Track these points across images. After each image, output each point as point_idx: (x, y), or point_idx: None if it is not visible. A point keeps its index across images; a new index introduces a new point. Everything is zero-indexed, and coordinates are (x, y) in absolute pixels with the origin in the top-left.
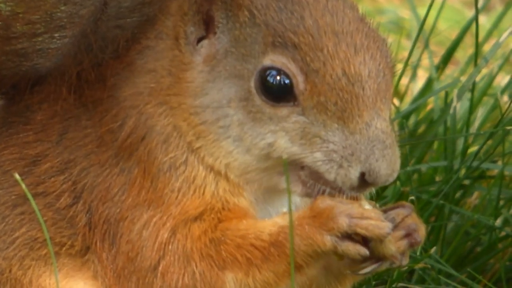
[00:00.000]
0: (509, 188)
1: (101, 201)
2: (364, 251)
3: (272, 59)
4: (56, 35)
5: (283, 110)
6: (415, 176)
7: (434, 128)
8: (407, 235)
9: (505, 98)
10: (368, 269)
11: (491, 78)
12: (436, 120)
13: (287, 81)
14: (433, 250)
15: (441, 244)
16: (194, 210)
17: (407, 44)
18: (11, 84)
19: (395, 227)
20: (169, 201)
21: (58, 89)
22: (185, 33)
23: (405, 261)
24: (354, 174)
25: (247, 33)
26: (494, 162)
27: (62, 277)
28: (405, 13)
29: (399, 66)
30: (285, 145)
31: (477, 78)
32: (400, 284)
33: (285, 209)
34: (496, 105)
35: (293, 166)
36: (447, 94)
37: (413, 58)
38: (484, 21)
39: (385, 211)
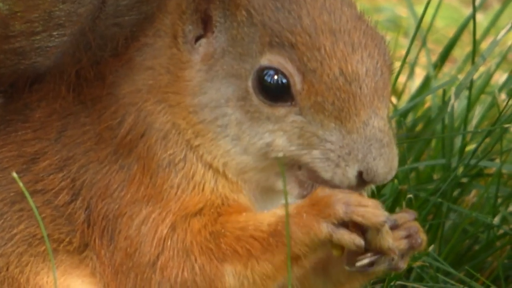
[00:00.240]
0: (507, 186)
1: (100, 197)
2: (359, 240)
3: (269, 59)
4: (54, 33)
5: (281, 110)
6: (413, 174)
7: (431, 126)
8: (408, 236)
9: (503, 96)
10: (366, 260)
11: (489, 76)
12: (434, 118)
13: (284, 81)
14: (431, 248)
15: (439, 242)
16: (193, 206)
17: (404, 42)
18: (10, 83)
19: (396, 227)
20: (168, 197)
21: (57, 87)
22: (183, 31)
23: (404, 265)
24: (351, 173)
25: (244, 33)
26: (492, 160)
27: (60, 274)
28: (402, 11)
29: (397, 64)
30: (283, 144)
31: (475, 76)
32: (398, 282)
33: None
34: (493, 103)
35: (290, 166)
36: (444, 92)
37: (411, 56)
38: (482, 19)
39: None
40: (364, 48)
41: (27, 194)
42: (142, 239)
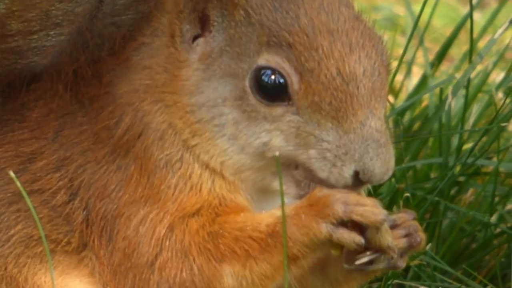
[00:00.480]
0: (504, 184)
1: (98, 198)
2: (359, 239)
3: (267, 58)
4: (51, 32)
5: (278, 110)
6: (410, 172)
7: (429, 124)
8: (407, 235)
9: (500, 94)
10: (365, 258)
11: (486, 74)
12: (431, 116)
13: (281, 81)
14: (428, 246)
15: (436, 240)
16: (191, 207)
17: (402, 41)
18: (7, 82)
19: (396, 227)
20: (165, 198)
21: (54, 86)
22: (181, 31)
23: (403, 263)
24: (347, 172)
25: (242, 32)
26: (489, 158)
27: (57, 275)
28: (400, 10)
29: (394, 63)
30: (280, 144)
31: (472, 75)
32: (396, 281)
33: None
34: (491, 102)
35: (287, 165)
36: (442, 91)
37: (408, 55)
38: (479, 17)
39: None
40: (361, 49)
41: (25, 194)
42: (140, 240)
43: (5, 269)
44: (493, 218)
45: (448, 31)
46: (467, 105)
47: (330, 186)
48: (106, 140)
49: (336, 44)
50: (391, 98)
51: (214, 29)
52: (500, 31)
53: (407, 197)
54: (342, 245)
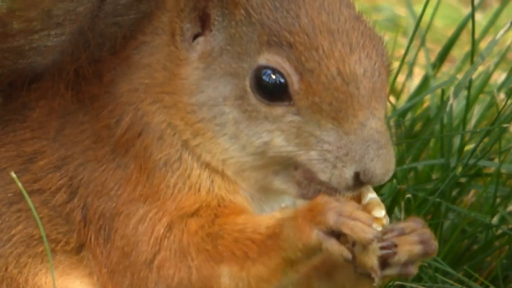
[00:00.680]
0: (505, 186)
1: (97, 196)
2: (347, 253)
3: (267, 58)
4: (53, 32)
5: (278, 109)
6: (412, 174)
7: (430, 125)
8: (422, 242)
9: (502, 95)
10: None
11: (488, 75)
12: (433, 117)
13: (282, 81)
14: None
15: (438, 242)
16: (189, 207)
17: (403, 41)
18: (8, 82)
19: (407, 234)
20: (164, 197)
21: (55, 86)
22: (181, 29)
23: (415, 270)
24: (348, 174)
25: (242, 32)
26: (491, 160)
27: (58, 275)
28: (401, 10)
29: (396, 64)
30: (280, 144)
31: (474, 76)
32: (397, 282)
33: (283, 205)
34: (492, 103)
35: (287, 165)
36: (443, 92)
37: (410, 56)
38: (480, 18)
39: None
40: (362, 49)
41: (26, 195)
42: (139, 238)
43: (6, 269)
44: (495, 220)
45: (449, 32)
46: (468, 106)
47: (331, 187)
48: (106, 139)
49: (336, 44)
50: (392, 99)
51: (214, 28)
52: (501, 32)
53: (409, 198)
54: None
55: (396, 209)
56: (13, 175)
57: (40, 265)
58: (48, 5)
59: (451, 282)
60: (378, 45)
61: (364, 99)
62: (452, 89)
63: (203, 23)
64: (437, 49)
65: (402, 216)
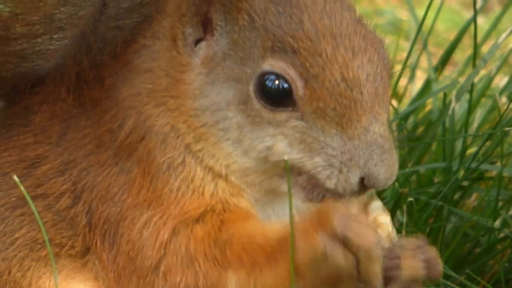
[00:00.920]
0: (507, 189)
1: (101, 201)
2: (352, 259)
3: (272, 64)
4: (55, 36)
5: (282, 115)
6: (414, 177)
7: (432, 129)
8: (426, 261)
9: (504, 99)
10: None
11: (490, 79)
12: (435, 121)
13: (286, 86)
14: None
15: (440, 245)
16: (194, 211)
17: (405, 45)
18: (11, 86)
19: (414, 250)
20: (168, 201)
21: (57, 90)
22: (183, 34)
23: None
24: (353, 179)
25: (246, 37)
26: (493, 163)
27: (62, 279)
28: (403, 14)
29: (398, 67)
30: (283, 149)
31: (476, 79)
32: None
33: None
34: (494, 106)
35: (290, 172)
36: (445, 95)
37: (412, 59)
38: (483, 22)
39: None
40: (364, 53)
41: (28, 199)
42: (144, 243)
43: (9, 273)
44: (497, 223)
45: (451, 36)
46: (470, 110)
47: (336, 193)
48: (109, 144)
49: (339, 49)
50: (394, 103)
51: (217, 33)
52: (503, 35)
53: (411, 201)
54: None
55: (398, 213)
56: (16, 179)
57: (44, 268)
58: (51, 9)
59: (453, 285)
60: (379, 49)
61: (367, 104)
62: (454, 92)
63: (205, 28)
64: (439, 52)
65: (405, 219)
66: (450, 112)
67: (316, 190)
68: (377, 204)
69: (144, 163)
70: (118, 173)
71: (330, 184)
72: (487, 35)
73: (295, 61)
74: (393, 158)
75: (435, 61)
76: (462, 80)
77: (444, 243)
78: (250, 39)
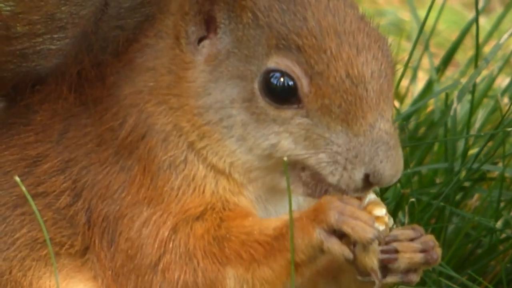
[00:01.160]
0: (509, 190)
1: (101, 199)
2: (349, 253)
3: (276, 61)
4: (56, 35)
5: (287, 112)
6: (416, 178)
7: (434, 130)
8: (424, 251)
9: (506, 99)
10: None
11: (492, 79)
12: (437, 122)
13: (291, 84)
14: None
15: (441, 246)
16: (194, 209)
17: (407, 45)
18: (12, 86)
19: (412, 240)
20: (169, 199)
21: (58, 88)
22: (186, 32)
23: (417, 278)
24: (358, 176)
25: (250, 35)
26: (495, 164)
27: (62, 278)
28: (405, 15)
29: (400, 68)
30: (288, 146)
31: (478, 80)
32: (401, 287)
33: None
34: (496, 107)
35: (294, 166)
36: (447, 96)
37: (413, 60)
38: (484, 22)
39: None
40: (368, 50)
41: (29, 198)
42: (144, 241)
43: (10, 272)
44: (499, 224)
45: (453, 36)
46: (472, 110)
47: (339, 189)
48: (110, 142)
49: (343, 46)
50: (396, 103)
51: (220, 31)
52: (505, 36)
53: (413, 202)
54: (332, 256)
55: (400, 213)
56: (17, 178)
57: (44, 268)
58: (52, 8)
59: (455, 286)
60: (383, 46)
61: (373, 101)
62: (456, 93)
63: (208, 26)
64: (441, 53)
65: (406, 220)
66: (452, 112)
67: (319, 186)
68: (371, 197)
69: (144, 161)
70: (119, 171)
71: (333, 180)
72: (489, 35)
73: (300, 58)
74: (399, 155)
75: (437, 62)
76: (464, 80)
77: (446, 244)
78: (254, 37)
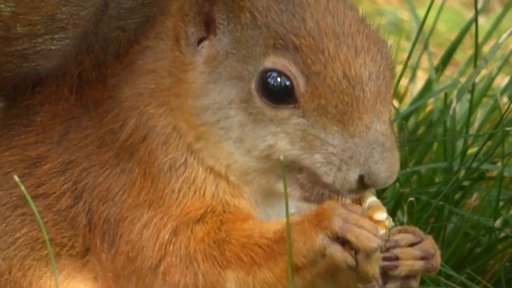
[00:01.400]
0: (508, 189)
1: (101, 201)
2: (351, 260)
3: (274, 61)
4: (56, 36)
5: (284, 112)
6: (415, 177)
7: (433, 129)
8: (424, 258)
9: (505, 99)
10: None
11: (491, 79)
12: (436, 121)
13: (288, 83)
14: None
15: (440, 245)
16: (195, 211)
17: (406, 45)
18: (12, 86)
19: (411, 247)
20: (169, 202)
21: (59, 89)
22: (186, 34)
23: (416, 284)
24: (352, 177)
25: (248, 35)
26: (494, 163)
27: (62, 278)
28: (404, 14)
29: (399, 67)
30: (285, 147)
31: (477, 79)
32: None
33: (292, 210)
34: (495, 106)
35: (291, 168)
36: (446, 95)
37: (413, 59)
38: (484, 22)
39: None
40: (367, 52)
41: (29, 198)
42: (144, 244)
43: (10, 272)
44: (498, 223)
45: (453, 36)
46: (471, 110)
47: (335, 190)
48: (110, 144)
49: (341, 47)
50: (396, 103)
51: (219, 31)
52: (505, 35)
53: (412, 201)
54: (334, 261)
55: (399, 213)
56: (17, 179)
57: (45, 268)
58: (52, 9)
59: (454, 285)
60: (382, 48)
61: (369, 102)
62: (455, 92)
63: (208, 27)
64: (440, 52)
65: (405, 219)
66: (451, 112)
67: (316, 189)
68: (372, 200)
69: (145, 163)
70: (119, 173)
71: (327, 180)
72: (488, 35)
73: (297, 58)
74: (394, 157)
75: (436, 61)
76: (463, 80)
77: (445, 243)
78: (252, 37)
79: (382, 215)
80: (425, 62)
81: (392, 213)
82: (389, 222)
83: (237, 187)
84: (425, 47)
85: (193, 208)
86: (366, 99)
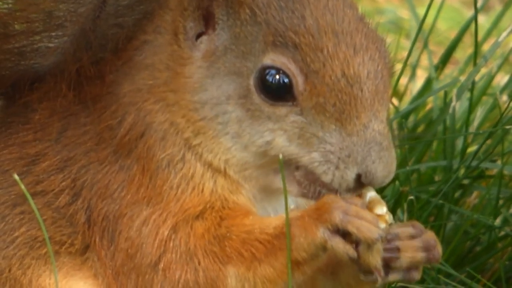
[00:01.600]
0: (508, 187)
1: (100, 198)
2: (353, 252)
3: (273, 58)
4: (54, 33)
5: (282, 110)
6: (414, 175)
7: (433, 127)
8: (425, 249)
9: (504, 97)
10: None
11: (490, 77)
12: (435, 119)
13: (286, 81)
14: None
15: (440, 243)
16: (194, 208)
17: (406, 44)
18: (10, 84)
19: (413, 238)
20: (168, 198)
21: (57, 86)
22: (184, 28)
23: (418, 275)
24: (350, 175)
25: (247, 31)
26: (494, 161)
27: (62, 277)
28: (404, 13)
29: (398, 66)
30: (282, 144)
31: (476, 78)
32: (400, 284)
33: (291, 206)
34: (495, 105)
35: (288, 166)
36: (446, 94)
37: (412, 58)
38: (483, 20)
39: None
40: (365, 51)
41: (28, 196)
42: (143, 241)
43: (9, 271)
44: (498, 221)
45: (452, 34)
46: (471, 108)
47: (332, 188)
48: (109, 140)
49: (340, 46)
50: (395, 101)
51: (218, 27)
52: (504, 34)
53: (411, 200)
54: (335, 254)
55: (398, 211)
56: (16, 177)
57: (44, 266)
58: (49, 6)
59: (453, 283)
60: (381, 47)
61: (368, 101)
62: (454, 91)
63: (206, 22)
64: (440, 51)
65: (405, 218)
66: (450, 110)
67: (313, 186)
68: (372, 195)
69: (143, 160)
70: (118, 170)
71: (326, 179)
72: (488, 33)
73: (296, 56)
74: (391, 156)
75: (436, 60)
76: (462, 78)
77: (445, 242)
78: (251, 33)
79: (382, 209)
80: (424, 60)
81: (392, 212)
82: (390, 217)
83: (235, 183)
84: (425, 45)
85: (192, 205)
86: (364, 98)
